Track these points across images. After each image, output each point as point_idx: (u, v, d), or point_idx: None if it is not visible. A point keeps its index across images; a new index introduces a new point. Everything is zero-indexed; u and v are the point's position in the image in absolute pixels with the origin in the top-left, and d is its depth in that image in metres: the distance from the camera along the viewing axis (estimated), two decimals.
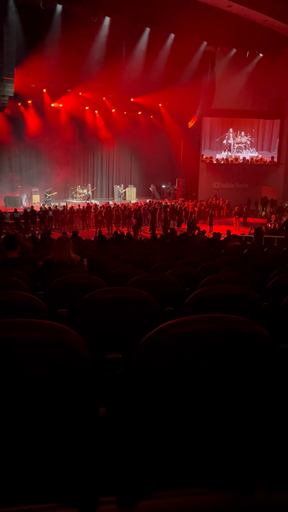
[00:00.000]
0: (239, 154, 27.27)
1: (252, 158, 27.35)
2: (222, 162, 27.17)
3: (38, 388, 1.07)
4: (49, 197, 22.19)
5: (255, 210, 26.07)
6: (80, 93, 23.55)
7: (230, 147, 27.20)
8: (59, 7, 19.18)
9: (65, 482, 1.12)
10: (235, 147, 27.23)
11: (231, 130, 27.04)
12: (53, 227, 19.68)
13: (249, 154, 27.34)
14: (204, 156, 27.18)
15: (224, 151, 27.17)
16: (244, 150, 27.29)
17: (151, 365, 1.13)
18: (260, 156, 27.32)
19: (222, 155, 27.25)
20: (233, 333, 1.15)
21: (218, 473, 1.18)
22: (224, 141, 27.14)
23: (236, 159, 27.26)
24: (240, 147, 27.27)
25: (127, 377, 1.34)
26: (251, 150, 27.32)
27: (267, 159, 27.24)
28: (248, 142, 27.36)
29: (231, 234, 13.96)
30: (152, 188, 27.03)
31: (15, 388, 1.06)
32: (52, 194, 22.53)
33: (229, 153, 27.19)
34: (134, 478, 1.15)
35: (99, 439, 1.19)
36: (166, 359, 1.12)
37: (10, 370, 1.05)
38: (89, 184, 25.42)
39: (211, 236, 14.29)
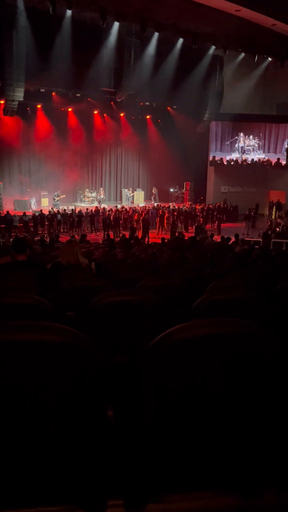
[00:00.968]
0: (247, 155, 27.39)
1: (259, 160, 27.41)
2: (232, 163, 27.23)
3: (47, 390, 1.08)
4: (57, 200, 22.31)
5: (264, 214, 25.97)
6: (88, 99, 23.70)
7: (240, 149, 27.31)
8: (68, 13, 19.32)
9: (73, 484, 1.12)
10: (245, 150, 27.34)
11: (241, 134, 27.14)
12: (62, 231, 19.76)
13: (256, 156, 27.46)
14: (215, 158, 27.25)
15: (236, 153, 27.32)
16: (252, 152, 27.41)
17: (159, 368, 1.13)
18: (266, 157, 27.42)
19: (232, 156, 27.38)
20: (241, 337, 1.16)
21: (226, 476, 1.18)
22: (236, 145, 27.26)
23: (245, 160, 27.34)
24: (248, 149, 27.38)
25: (135, 380, 1.34)
26: (259, 152, 27.43)
27: (273, 160, 27.27)
28: (256, 145, 27.44)
29: (239, 238, 13.91)
30: (154, 191, 27.03)
31: (25, 390, 1.06)
32: (61, 197, 22.64)
33: (239, 155, 27.30)
34: (142, 481, 1.15)
35: (107, 442, 1.20)
36: (174, 363, 1.12)
37: (19, 373, 1.06)
38: (101, 188, 25.55)
39: (219, 240, 14.27)
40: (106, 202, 24.86)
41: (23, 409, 1.07)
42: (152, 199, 26.65)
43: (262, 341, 1.16)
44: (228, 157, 27.40)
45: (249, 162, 27.44)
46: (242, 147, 27.35)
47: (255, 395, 1.17)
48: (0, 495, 1.09)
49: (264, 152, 27.47)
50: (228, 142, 27.24)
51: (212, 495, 1.16)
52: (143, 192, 26.75)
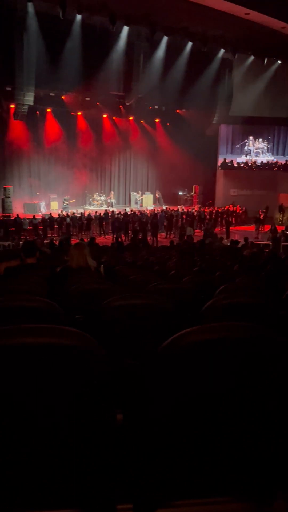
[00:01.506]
0: (257, 158, 27.40)
1: (268, 162, 27.42)
2: (242, 165, 27.20)
3: (55, 394, 1.08)
4: (67, 204, 22.47)
5: (273, 217, 25.83)
6: (97, 103, 23.84)
7: (250, 153, 27.32)
8: (78, 17, 19.49)
9: (82, 488, 1.12)
10: (254, 152, 27.36)
11: (251, 137, 27.13)
12: (71, 234, 19.85)
13: (265, 158, 27.48)
14: (226, 160, 27.24)
15: (245, 155, 27.40)
16: (261, 155, 27.44)
17: (169, 371, 1.13)
18: (275, 159, 27.42)
19: (242, 159, 27.45)
20: (251, 341, 1.15)
21: (237, 482, 1.17)
22: (246, 147, 27.27)
23: (255, 162, 27.34)
24: (258, 152, 27.39)
25: (145, 383, 1.34)
26: (268, 154, 27.48)
27: (282, 162, 27.21)
28: (265, 148, 27.41)
29: (248, 241, 13.85)
30: (158, 194, 27.02)
31: (34, 393, 1.07)
32: (70, 202, 22.81)
33: (249, 157, 27.34)
34: (152, 486, 1.15)
35: (115, 446, 1.19)
36: (184, 367, 1.12)
37: (28, 376, 1.06)
38: (112, 192, 25.64)
39: (228, 243, 14.22)
40: (115, 206, 24.93)
41: (32, 413, 1.07)
42: (157, 202, 26.63)
43: (272, 345, 1.16)
44: (238, 159, 27.40)
45: (259, 164, 27.41)
46: (251, 150, 27.36)
47: (265, 400, 1.16)
48: (10, 499, 1.09)
49: (273, 154, 27.44)
50: (238, 145, 27.25)
51: (221, 500, 1.15)
52: (151, 196, 26.78)
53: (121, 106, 24.52)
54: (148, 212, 22.72)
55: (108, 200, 24.75)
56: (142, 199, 26.18)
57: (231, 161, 27.44)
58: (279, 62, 25.15)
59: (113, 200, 24.95)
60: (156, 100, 24.81)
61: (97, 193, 25.26)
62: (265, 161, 27.52)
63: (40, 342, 1.06)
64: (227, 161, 27.49)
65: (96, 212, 21.53)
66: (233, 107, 25.94)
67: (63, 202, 22.54)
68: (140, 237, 17.86)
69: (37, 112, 22.75)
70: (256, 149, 27.43)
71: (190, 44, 22.51)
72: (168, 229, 21.28)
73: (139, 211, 22.81)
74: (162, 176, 28.16)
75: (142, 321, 2.17)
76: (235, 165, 27.44)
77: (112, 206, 24.08)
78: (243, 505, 1.14)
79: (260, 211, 23.09)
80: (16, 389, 1.06)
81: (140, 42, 21.68)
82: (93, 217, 20.61)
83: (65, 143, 24.25)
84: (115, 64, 21.59)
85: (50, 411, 1.08)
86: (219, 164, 27.60)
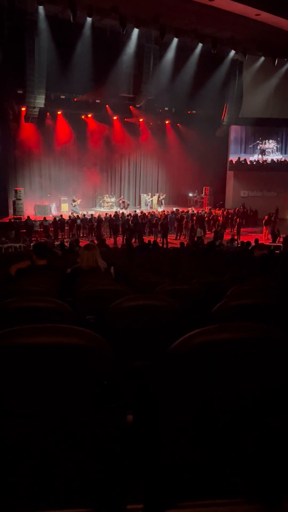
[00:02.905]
0: (267, 156, 27.48)
1: (277, 160, 27.46)
2: (254, 163, 27.18)
3: (66, 393, 1.09)
4: (74, 205, 22.58)
5: (285, 218, 25.65)
6: (107, 106, 23.94)
7: (261, 152, 27.28)
8: (88, 21, 19.60)
9: (92, 488, 1.12)
10: (265, 153, 27.31)
11: (260, 138, 27.07)
12: (81, 235, 19.93)
13: (275, 157, 27.54)
14: (240, 158, 27.18)
15: (258, 154, 27.44)
16: (271, 154, 27.50)
17: (178, 372, 1.13)
18: (284, 158, 27.50)
19: (254, 158, 27.49)
20: (261, 342, 1.14)
21: (246, 484, 1.16)
22: (257, 147, 27.22)
23: (265, 161, 27.31)
24: (268, 151, 27.34)
25: (155, 383, 1.34)
26: (277, 153, 27.54)
27: None
28: (275, 148, 27.33)
29: (259, 243, 13.77)
30: (161, 197, 26.95)
31: (45, 392, 1.08)
32: (77, 201, 22.89)
33: (260, 156, 27.41)
34: (162, 487, 1.15)
35: (126, 446, 1.20)
36: (193, 367, 1.12)
37: (39, 375, 1.07)
38: (122, 196, 25.74)
39: (239, 244, 14.15)
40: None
41: (43, 412, 1.08)
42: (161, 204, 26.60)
43: (282, 346, 1.15)
44: (251, 158, 27.40)
45: (269, 162, 27.39)
46: (262, 150, 27.34)
47: (276, 401, 1.15)
48: (21, 499, 1.10)
49: (282, 153, 27.42)
50: (250, 146, 27.22)
51: (231, 503, 1.15)
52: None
53: (131, 107, 24.57)
54: (158, 213, 22.71)
55: (121, 203, 24.81)
56: (152, 200, 26.18)
57: (245, 159, 27.34)
58: None
59: (128, 202, 25.06)
60: (166, 102, 24.83)
61: (107, 195, 25.35)
62: (275, 160, 27.42)
63: (50, 342, 1.07)
64: (241, 159, 27.34)
65: (106, 214, 21.60)
66: (243, 108, 25.85)
67: (71, 204, 22.67)
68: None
69: (48, 113, 22.92)
70: (266, 149, 27.40)
71: (200, 45, 22.51)
72: (178, 230, 21.25)
73: (149, 212, 22.82)
74: (172, 178, 28.15)
75: (152, 322, 2.17)
76: (248, 162, 27.33)
77: (126, 209, 24.14)
78: (253, 506, 1.14)
79: (271, 213, 22.96)
80: (27, 388, 1.07)
81: (150, 44, 21.74)
82: (103, 218, 20.67)
83: (75, 145, 24.39)
84: (125, 66, 21.67)
85: (60, 410, 1.09)
86: (229, 164, 27.48)
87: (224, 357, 1.12)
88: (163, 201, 26.35)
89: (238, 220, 22.70)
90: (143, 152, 27.33)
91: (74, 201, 22.83)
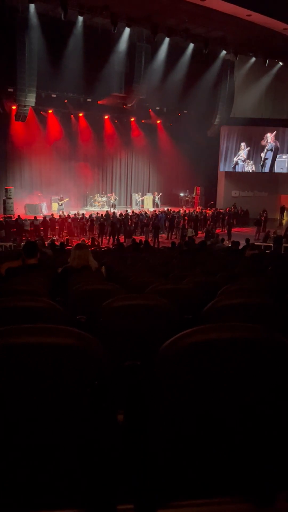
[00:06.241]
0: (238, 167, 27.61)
1: (252, 171, 27.58)
2: (247, 166, 27.31)
3: (56, 393, 1.08)
4: (61, 204, 22.43)
5: (275, 219, 25.82)
6: (99, 103, 23.86)
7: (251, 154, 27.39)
8: (80, 19, 19.53)
9: (82, 489, 1.12)
10: (238, 164, 27.43)
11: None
12: (74, 235, 19.87)
13: (246, 169, 27.60)
14: (235, 159, 27.27)
15: (249, 159, 27.41)
16: (245, 165, 27.56)
17: (170, 372, 1.13)
18: (252, 170, 27.53)
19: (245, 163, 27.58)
20: (252, 342, 1.15)
21: (237, 483, 1.16)
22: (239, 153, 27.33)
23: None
24: (239, 161, 27.46)
25: (146, 383, 1.33)
26: (250, 164, 27.58)
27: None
28: (245, 155, 27.45)
29: (249, 242, 13.83)
30: (158, 197, 26.95)
31: (35, 393, 1.07)
32: (64, 200, 22.76)
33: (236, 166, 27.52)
34: (153, 486, 1.15)
35: (116, 446, 1.19)
36: (185, 367, 1.12)
37: (30, 375, 1.06)
38: (113, 193, 25.67)
39: (230, 244, 14.20)
40: (116, 207, 24.95)
41: (33, 412, 1.07)
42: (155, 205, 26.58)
43: (273, 346, 1.15)
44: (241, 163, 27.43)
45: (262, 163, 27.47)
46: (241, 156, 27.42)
47: (267, 401, 1.15)
48: (12, 499, 1.09)
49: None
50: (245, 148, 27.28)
51: (222, 501, 1.15)
52: (152, 197, 26.73)
53: (123, 106, 24.55)
54: (149, 213, 22.72)
55: (111, 202, 24.73)
56: (142, 200, 26.17)
57: (236, 162, 27.36)
58: (281, 63, 25.18)
59: (115, 200, 24.90)
60: (158, 101, 24.82)
61: (98, 194, 25.28)
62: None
63: (41, 342, 1.07)
64: (236, 160, 27.32)
65: (97, 213, 21.53)
66: (235, 109, 25.96)
67: (58, 203, 22.49)
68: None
69: (40, 112, 22.79)
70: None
71: (191, 45, 22.54)
72: (170, 230, 21.29)
73: (139, 212, 22.83)
74: (164, 178, 28.17)
75: (143, 322, 2.16)
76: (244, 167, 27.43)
77: (115, 208, 24.08)
78: (244, 506, 1.14)
79: (260, 213, 23.11)
80: (18, 388, 1.06)
81: (142, 43, 21.72)
82: (94, 218, 20.62)
83: (66, 144, 24.29)
84: (116, 65, 21.63)
85: (51, 410, 1.08)
86: (222, 166, 27.51)
87: (213, 357, 1.12)
88: (159, 202, 26.35)
89: (227, 218, 22.78)
90: (134, 151, 27.31)
91: (61, 199, 22.68)
